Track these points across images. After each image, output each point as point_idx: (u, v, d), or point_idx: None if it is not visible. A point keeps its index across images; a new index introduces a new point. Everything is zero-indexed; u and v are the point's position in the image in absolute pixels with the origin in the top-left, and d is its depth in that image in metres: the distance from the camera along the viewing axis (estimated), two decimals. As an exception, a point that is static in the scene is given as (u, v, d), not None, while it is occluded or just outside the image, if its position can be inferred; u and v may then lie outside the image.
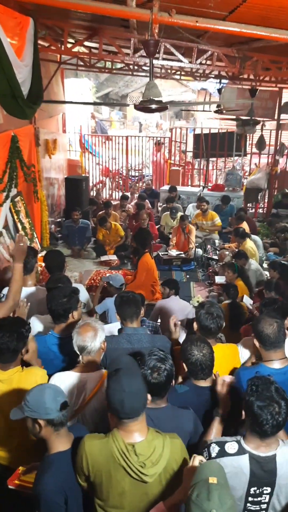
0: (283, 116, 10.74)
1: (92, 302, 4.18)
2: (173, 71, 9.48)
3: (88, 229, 8.36)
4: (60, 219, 9.35)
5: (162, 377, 2.14)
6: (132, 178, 13.04)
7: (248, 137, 11.61)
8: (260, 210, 11.48)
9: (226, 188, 10.56)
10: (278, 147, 10.91)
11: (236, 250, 6.74)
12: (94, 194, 10.68)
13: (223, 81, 9.48)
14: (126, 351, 2.83)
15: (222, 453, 1.88)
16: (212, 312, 2.78)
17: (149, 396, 1.99)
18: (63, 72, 10.29)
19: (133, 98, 18.91)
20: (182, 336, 3.83)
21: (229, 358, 2.90)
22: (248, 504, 1.91)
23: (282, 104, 10.42)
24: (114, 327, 3.37)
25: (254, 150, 11.36)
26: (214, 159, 12.34)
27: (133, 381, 1.83)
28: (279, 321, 2.53)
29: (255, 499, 1.89)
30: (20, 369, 2.49)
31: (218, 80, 9.40)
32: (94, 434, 1.94)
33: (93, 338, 2.37)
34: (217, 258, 7.42)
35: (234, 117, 10.02)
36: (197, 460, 1.79)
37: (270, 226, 9.36)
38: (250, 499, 1.90)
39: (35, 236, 6.86)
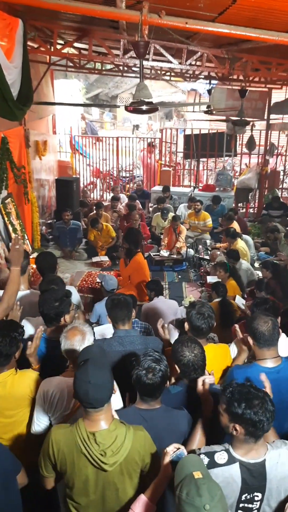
0: (272, 116, 10.82)
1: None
2: (163, 72, 9.51)
3: (79, 230, 8.34)
4: (51, 221, 9.32)
5: (157, 378, 2.13)
6: (123, 179, 13.04)
7: (238, 137, 11.69)
8: (251, 210, 11.55)
9: (217, 188, 10.61)
10: (268, 147, 10.99)
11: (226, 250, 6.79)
12: (81, 195, 10.65)
13: (213, 81, 9.52)
14: (119, 354, 2.83)
15: (213, 464, 1.87)
16: (203, 312, 2.78)
17: (115, 387, 2.01)
18: (53, 73, 10.26)
19: (123, 99, 18.91)
20: (175, 336, 3.85)
21: (220, 358, 2.90)
22: (239, 511, 1.91)
23: (271, 104, 10.50)
24: (106, 329, 3.36)
25: (244, 150, 11.42)
26: (205, 159, 12.39)
27: (100, 372, 1.86)
28: (273, 319, 2.54)
29: (246, 505, 1.90)
30: (14, 372, 2.48)
31: (208, 81, 9.44)
32: (61, 424, 2.00)
33: (81, 342, 2.35)
34: (208, 258, 7.45)
35: (224, 117, 10.08)
36: (167, 457, 1.81)
37: (262, 224, 9.41)
38: (241, 505, 1.90)
39: (26, 238, 6.82)
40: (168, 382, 2.58)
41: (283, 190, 12.02)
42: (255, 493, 1.88)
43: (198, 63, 6.78)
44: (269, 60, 6.98)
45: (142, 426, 2.09)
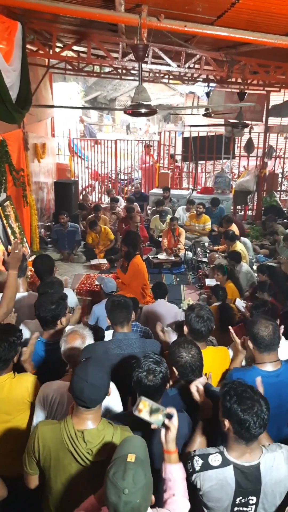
0: (271, 119, 10.86)
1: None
2: (162, 75, 9.53)
3: (77, 232, 8.34)
4: (49, 223, 9.31)
5: (158, 380, 2.12)
6: (121, 181, 13.04)
7: (236, 140, 11.72)
8: (249, 212, 11.57)
9: (215, 191, 10.62)
10: (266, 150, 11.02)
11: (225, 252, 6.79)
12: (81, 198, 10.66)
13: (211, 84, 9.55)
14: (117, 357, 2.81)
15: (206, 466, 1.86)
16: (203, 315, 2.77)
17: (112, 389, 2.04)
18: (51, 76, 10.27)
19: (121, 102, 18.96)
20: (173, 339, 3.84)
21: (220, 361, 2.90)
22: None
23: (270, 107, 10.53)
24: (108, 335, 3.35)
25: (243, 152, 11.45)
26: (203, 162, 12.42)
27: (98, 373, 1.89)
28: (274, 324, 2.52)
29: (241, 509, 1.89)
30: (12, 376, 2.47)
31: (206, 84, 9.47)
32: (48, 420, 2.02)
33: (82, 346, 2.35)
34: (207, 260, 7.45)
35: (222, 120, 10.11)
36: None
37: (264, 225, 9.41)
38: (236, 509, 1.89)
39: (25, 240, 6.81)
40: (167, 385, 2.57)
41: (281, 192, 12.05)
42: (250, 497, 1.87)
43: (196, 66, 6.80)
44: (267, 63, 7.01)
45: (143, 429, 2.07)
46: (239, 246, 6.85)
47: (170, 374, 2.53)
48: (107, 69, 9.72)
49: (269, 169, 11.60)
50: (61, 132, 11.71)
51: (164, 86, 16.70)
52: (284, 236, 7.82)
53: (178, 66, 6.39)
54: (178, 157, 12.73)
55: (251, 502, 1.88)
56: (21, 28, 5.27)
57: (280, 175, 12.19)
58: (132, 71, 9.04)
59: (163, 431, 1.87)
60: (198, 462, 1.88)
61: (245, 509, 1.89)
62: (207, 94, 9.78)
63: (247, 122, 8.43)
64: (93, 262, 7.73)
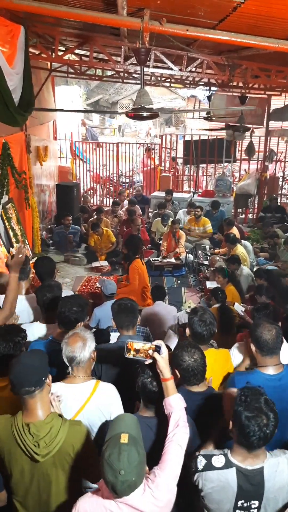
0: (271, 123, 10.89)
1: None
2: (163, 79, 9.57)
3: (77, 234, 8.38)
4: (51, 226, 9.33)
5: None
6: (123, 184, 13.07)
7: (237, 143, 11.74)
8: (250, 216, 11.58)
9: (216, 194, 10.64)
10: (267, 154, 11.04)
11: (226, 255, 6.80)
12: (82, 200, 10.69)
13: (213, 88, 9.58)
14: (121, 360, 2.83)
15: (209, 466, 1.86)
16: (205, 319, 2.78)
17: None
18: (54, 79, 10.32)
19: (123, 105, 19.01)
20: (174, 341, 3.84)
21: (221, 363, 2.90)
22: None
23: (271, 111, 10.57)
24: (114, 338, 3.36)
25: (244, 156, 11.48)
26: (204, 165, 12.44)
27: (31, 355, 2.02)
28: (277, 327, 2.52)
29: None
30: None
31: (207, 88, 9.50)
32: (3, 415, 2.05)
33: (82, 348, 2.33)
34: (207, 263, 7.45)
35: (223, 124, 10.14)
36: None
37: (263, 228, 9.42)
38: None
39: (27, 243, 6.83)
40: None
41: (282, 196, 12.06)
42: (252, 501, 1.86)
43: (198, 69, 6.83)
44: (268, 67, 7.04)
45: (148, 434, 2.09)
46: (240, 249, 6.85)
47: (173, 377, 2.54)
48: (109, 73, 9.76)
49: (270, 173, 11.62)
50: (63, 135, 11.74)
51: (166, 90, 16.74)
52: (285, 240, 7.83)
53: (180, 69, 6.42)
54: (179, 160, 12.76)
55: (253, 506, 1.86)
56: (24, 31, 5.31)
57: (280, 179, 12.21)
58: (134, 75, 9.08)
59: (159, 362, 2.03)
60: (201, 462, 1.89)
61: None
62: (209, 97, 9.81)
63: (248, 125, 8.46)
64: (95, 264, 7.75)
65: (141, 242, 6.73)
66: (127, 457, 1.59)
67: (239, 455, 1.86)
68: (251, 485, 1.83)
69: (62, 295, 3.16)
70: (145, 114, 4.12)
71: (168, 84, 10.44)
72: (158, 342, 2.07)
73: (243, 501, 1.86)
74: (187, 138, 12.44)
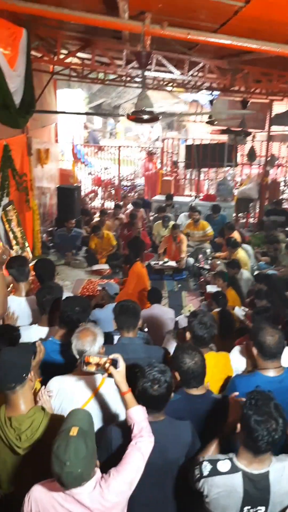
0: (273, 127, 10.90)
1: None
2: (165, 83, 9.59)
3: (79, 237, 8.38)
4: (51, 228, 9.33)
5: (163, 389, 2.12)
6: (124, 187, 13.09)
7: (239, 148, 11.76)
8: (251, 220, 11.58)
9: (217, 198, 10.64)
10: (268, 158, 11.05)
11: (226, 259, 6.79)
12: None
13: (215, 92, 9.61)
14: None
15: (215, 471, 1.84)
16: (206, 322, 2.78)
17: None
18: (56, 82, 10.35)
19: (126, 109, 19.05)
20: (173, 345, 3.82)
21: (221, 366, 2.89)
22: None
23: (272, 116, 10.58)
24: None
25: (245, 161, 11.49)
26: (206, 169, 12.45)
27: (12, 352, 2.02)
28: (280, 332, 2.53)
29: None
30: None
31: (209, 92, 9.53)
32: None
33: (92, 343, 2.37)
34: (208, 267, 7.43)
35: (225, 128, 10.15)
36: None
37: (266, 232, 9.41)
38: None
39: (27, 245, 6.83)
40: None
41: (283, 200, 12.06)
42: (259, 507, 1.83)
43: (200, 74, 6.85)
44: (270, 72, 7.05)
45: None
46: (241, 253, 6.84)
47: (173, 380, 2.53)
48: (111, 76, 9.79)
49: (271, 178, 11.62)
50: (65, 138, 11.77)
51: (168, 94, 16.79)
52: (286, 244, 7.81)
53: (182, 74, 6.45)
54: (181, 164, 12.78)
55: (259, 511, 1.84)
56: (26, 34, 5.33)
57: (282, 184, 12.21)
58: (136, 79, 9.10)
59: (115, 377, 2.06)
60: (206, 467, 1.86)
61: None
62: (210, 102, 9.84)
63: (250, 130, 8.47)
64: (95, 267, 7.74)
65: (144, 245, 6.72)
66: (74, 449, 1.63)
67: (244, 459, 1.84)
68: (257, 490, 1.81)
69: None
70: (145, 117, 4.13)
71: (170, 88, 10.48)
72: (114, 355, 2.09)
73: (249, 507, 1.84)
74: (189, 142, 12.46)
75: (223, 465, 1.84)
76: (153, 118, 4.27)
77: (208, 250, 8.24)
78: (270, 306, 4.02)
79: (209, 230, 8.54)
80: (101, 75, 9.65)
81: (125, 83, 9.59)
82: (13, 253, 5.69)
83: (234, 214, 10.63)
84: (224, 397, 2.45)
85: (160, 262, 7.75)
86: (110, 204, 11.82)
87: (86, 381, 2.35)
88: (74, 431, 1.66)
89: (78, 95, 16.69)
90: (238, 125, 8.29)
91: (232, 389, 2.49)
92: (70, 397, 2.32)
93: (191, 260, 7.90)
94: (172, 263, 7.69)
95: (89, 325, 2.48)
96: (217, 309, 4.83)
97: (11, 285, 3.67)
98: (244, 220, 11.44)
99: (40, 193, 8.72)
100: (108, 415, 2.34)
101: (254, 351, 2.52)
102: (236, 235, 7.69)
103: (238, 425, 1.85)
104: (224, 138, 11.38)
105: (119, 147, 12.26)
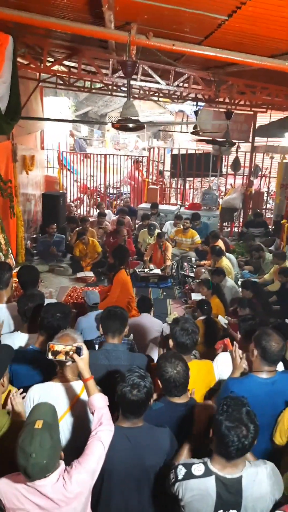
0: (257, 139, 11.09)
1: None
2: (151, 93, 9.69)
3: (62, 242, 8.33)
4: (36, 235, 9.27)
5: (142, 394, 2.12)
6: (110, 195, 13.12)
7: (223, 158, 11.93)
8: (236, 229, 11.71)
9: (203, 207, 10.74)
10: (252, 169, 11.22)
11: (211, 267, 6.83)
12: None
13: (200, 103, 9.74)
14: (103, 368, 2.79)
15: (189, 475, 1.85)
16: (187, 328, 2.78)
17: None
18: (42, 90, 10.37)
19: (112, 118, 19.16)
20: (155, 354, 3.82)
21: (204, 374, 2.89)
22: None
23: (256, 127, 10.77)
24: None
25: (230, 171, 11.65)
26: (191, 178, 12.58)
27: None
28: (284, 341, 2.58)
29: None
30: None
31: (195, 103, 9.66)
32: None
33: None
34: (193, 275, 7.47)
35: (210, 138, 10.29)
36: None
37: (245, 242, 9.52)
38: None
39: (10, 251, 6.75)
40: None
41: (267, 210, 12.24)
42: (231, 510, 1.85)
43: (185, 84, 6.94)
44: (254, 84, 7.19)
45: (124, 445, 2.07)
46: (225, 262, 6.90)
47: (155, 387, 2.52)
48: (98, 85, 9.86)
49: (255, 188, 11.79)
50: (51, 145, 11.76)
51: (154, 104, 16.98)
52: (274, 253, 7.89)
53: (167, 84, 6.52)
54: (167, 173, 12.87)
55: None
56: (12, 41, 5.33)
57: (265, 194, 12.41)
58: (122, 88, 9.18)
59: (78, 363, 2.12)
60: (181, 471, 1.87)
61: None
62: (196, 112, 9.97)
63: (234, 141, 8.60)
64: (80, 275, 7.70)
65: (129, 253, 6.72)
66: (39, 441, 1.67)
67: (218, 463, 1.85)
68: (230, 494, 1.83)
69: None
70: (130, 125, 4.16)
71: (156, 98, 10.59)
72: (78, 344, 2.15)
73: (221, 510, 1.85)
74: (175, 151, 12.58)
75: (197, 468, 1.86)
76: (138, 126, 4.31)
77: (193, 258, 8.30)
78: (254, 315, 4.05)
79: (197, 238, 8.63)
80: (87, 84, 9.70)
81: (111, 92, 9.66)
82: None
83: (218, 223, 10.74)
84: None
85: (146, 270, 7.76)
86: (96, 212, 11.80)
87: (66, 388, 2.33)
88: (39, 424, 1.70)
89: (64, 103, 16.73)
90: (222, 136, 8.41)
91: (225, 391, 2.51)
92: (53, 404, 2.29)
93: (176, 268, 7.94)
94: (157, 271, 7.70)
95: (68, 331, 2.46)
96: (202, 317, 4.85)
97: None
98: (229, 229, 11.56)
99: (25, 200, 8.67)
100: (89, 422, 2.31)
101: (255, 352, 2.56)
102: (220, 243, 7.76)
103: (211, 430, 1.87)
104: (209, 148, 11.54)
105: (105, 155, 12.31)
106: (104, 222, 9.50)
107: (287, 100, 7.44)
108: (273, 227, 10.42)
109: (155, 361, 3.06)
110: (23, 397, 2.35)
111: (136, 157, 13.53)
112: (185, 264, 7.97)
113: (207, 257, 7.94)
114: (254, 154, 11.25)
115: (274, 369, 2.57)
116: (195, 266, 7.80)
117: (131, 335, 4.53)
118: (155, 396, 2.70)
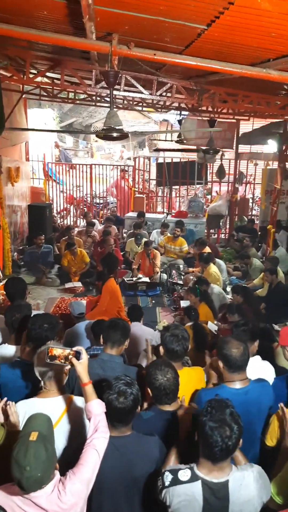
0: (241, 146, 11.24)
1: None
2: (135, 103, 9.77)
3: (50, 253, 8.27)
4: (22, 247, 9.21)
5: (129, 401, 2.11)
6: (97, 205, 13.12)
7: (208, 166, 12.05)
8: (222, 236, 11.80)
9: (189, 215, 10.81)
10: (237, 176, 11.35)
11: (200, 274, 6.85)
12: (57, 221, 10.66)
13: (183, 112, 9.84)
14: (97, 377, 2.76)
15: (176, 481, 1.84)
16: (177, 334, 2.78)
17: None
18: (26, 102, 10.38)
19: (97, 128, 19.25)
20: (144, 362, 3.80)
21: (195, 381, 2.88)
22: None
23: (239, 135, 10.92)
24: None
25: (215, 178, 11.77)
26: (177, 187, 12.66)
27: None
28: (244, 345, 2.55)
29: None
30: None
31: (178, 112, 9.76)
32: None
33: None
34: (182, 283, 7.48)
35: (194, 147, 10.41)
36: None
37: (236, 243, 9.60)
38: None
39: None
40: (140, 408, 2.53)
41: (252, 216, 12.38)
42: None
43: (168, 94, 7.01)
44: (235, 92, 7.29)
45: (112, 455, 2.04)
46: (213, 268, 6.92)
47: (145, 396, 2.50)
48: (81, 96, 9.90)
49: (240, 194, 11.92)
50: (36, 157, 11.75)
51: (139, 114, 17.13)
52: (266, 258, 7.95)
53: (150, 93, 6.57)
54: (153, 182, 12.94)
55: None
56: (-6, 53, 5.34)
57: (250, 200, 12.54)
58: (106, 98, 9.24)
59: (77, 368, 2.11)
60: (168, 478, 1.86)
61: None
62: (179, 121, 10.07)
63: (218, 149, 8.71)
64: (68, 285, 7.65)
65: (118, 261, 6.70)
66: (33, 453, 1.65)
67: (204, 468, 1.84)
68: (217, 499, 1.82)
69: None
70: (114, 134, 4.17)
71: (140, 108, 10.67)
72: (78, 348, 2.14)
73: None
74: (160, 160, 12.67)
75: (184, 474, 1.85)
76: (122, 136, 4.32)
77: (181, 266, 8.32)
78: (247, 321, 4.07)
79: (185, 247, 8.67)
80: (71, 95, 9.74)
81: (95, 102, 9.71)
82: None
83: (205, 230, 10.81)
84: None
85: (134, 278, 7.75)
86: (82, 222, 11.78)
87: (53, 403, 2.29)
88: (33, 436, 1.68)
89: (49, 114, 16.75)
90: (206, 144, 8.50)
91: (198, 402, 2.49)
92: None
93: (164, 276, 7.94)
94: (146, 279, 7.69)
95: (51, 344, 2.42)
96: (189, 323, 4.85)
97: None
98: (216, 236, 11.64)
99: (10, 211, 8.62)
100: (77, 435, 2.27)
101: (220, 364, 2.54)
102: (208, 250, 7.80)
103: (197, 433, 1.88)
104: (194, 156, 11.65)
105: (91, 165, 12.33)
106: (92, 231, 9.49)
107: (268, 107, 7.55)
108: (259, 232, 10.53)
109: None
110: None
111: (122, 167, 13.59)
112: (174, 271, 7.98)
113: (195, 264, 7.96)
114: (238, 161, 11.39)
115: (245, 377, 2.53)
116: (183, 274, 7.81)
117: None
118: (145, 405, 2.68)
